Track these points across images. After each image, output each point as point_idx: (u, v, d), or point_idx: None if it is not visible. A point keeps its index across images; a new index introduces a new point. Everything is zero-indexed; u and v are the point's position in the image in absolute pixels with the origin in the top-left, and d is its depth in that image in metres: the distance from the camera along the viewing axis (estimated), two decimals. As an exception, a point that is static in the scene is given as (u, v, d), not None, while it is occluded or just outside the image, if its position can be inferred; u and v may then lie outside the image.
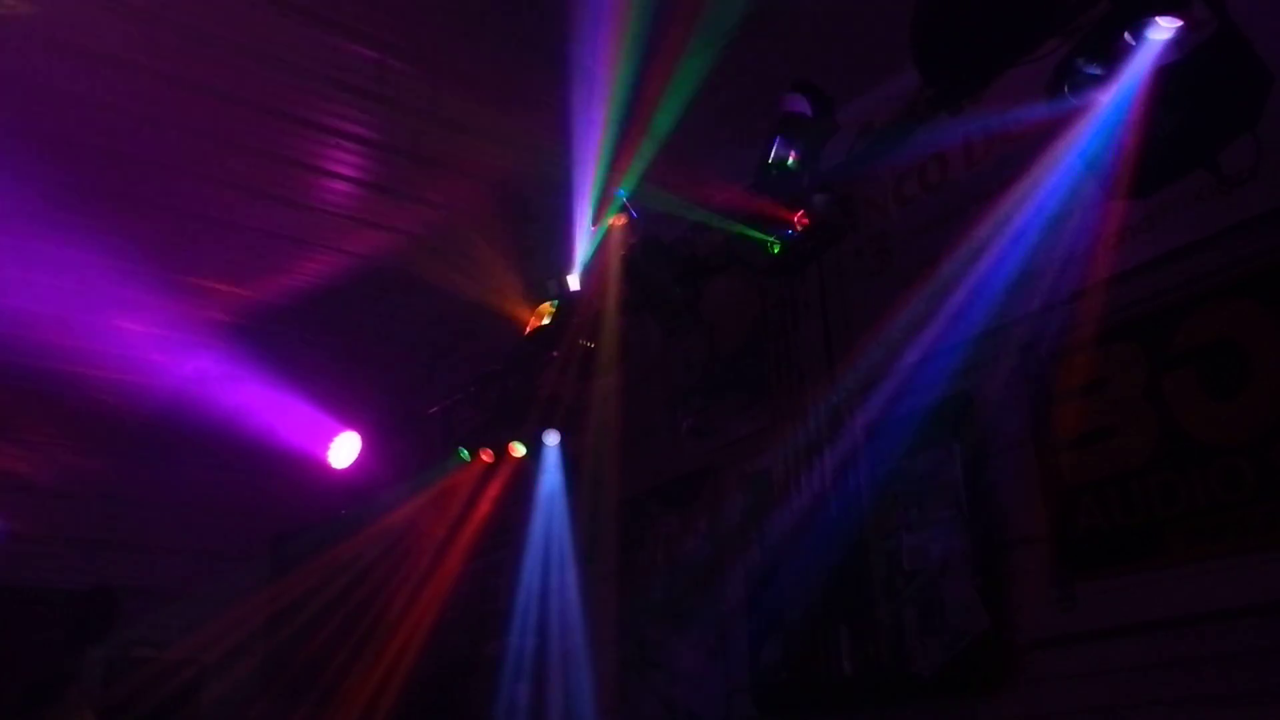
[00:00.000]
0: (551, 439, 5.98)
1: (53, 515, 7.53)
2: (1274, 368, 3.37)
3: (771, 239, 4.47)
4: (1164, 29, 3.14)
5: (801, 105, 4.27)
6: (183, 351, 6.65)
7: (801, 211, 4.37)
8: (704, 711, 5.35)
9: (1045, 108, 3.70)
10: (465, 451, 6.18)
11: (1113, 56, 3.26)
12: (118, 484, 7.76)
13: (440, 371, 7.30)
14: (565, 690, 5.96)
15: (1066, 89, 3.38)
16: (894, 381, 4.61)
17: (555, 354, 5.42)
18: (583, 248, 5.25)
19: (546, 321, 5.37)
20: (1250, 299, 3.46)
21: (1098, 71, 3.29)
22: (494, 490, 6.50)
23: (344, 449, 7.16)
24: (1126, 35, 3.20)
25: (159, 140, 5.20)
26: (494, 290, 5.75)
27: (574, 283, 5.27)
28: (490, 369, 6.27)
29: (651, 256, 5.01)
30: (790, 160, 4.23)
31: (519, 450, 6.06)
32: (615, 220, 5.02)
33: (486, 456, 6.23)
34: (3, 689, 6.78)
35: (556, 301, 5.34)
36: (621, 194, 4.95)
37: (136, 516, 7.76)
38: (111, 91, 4.85)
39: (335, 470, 7.18)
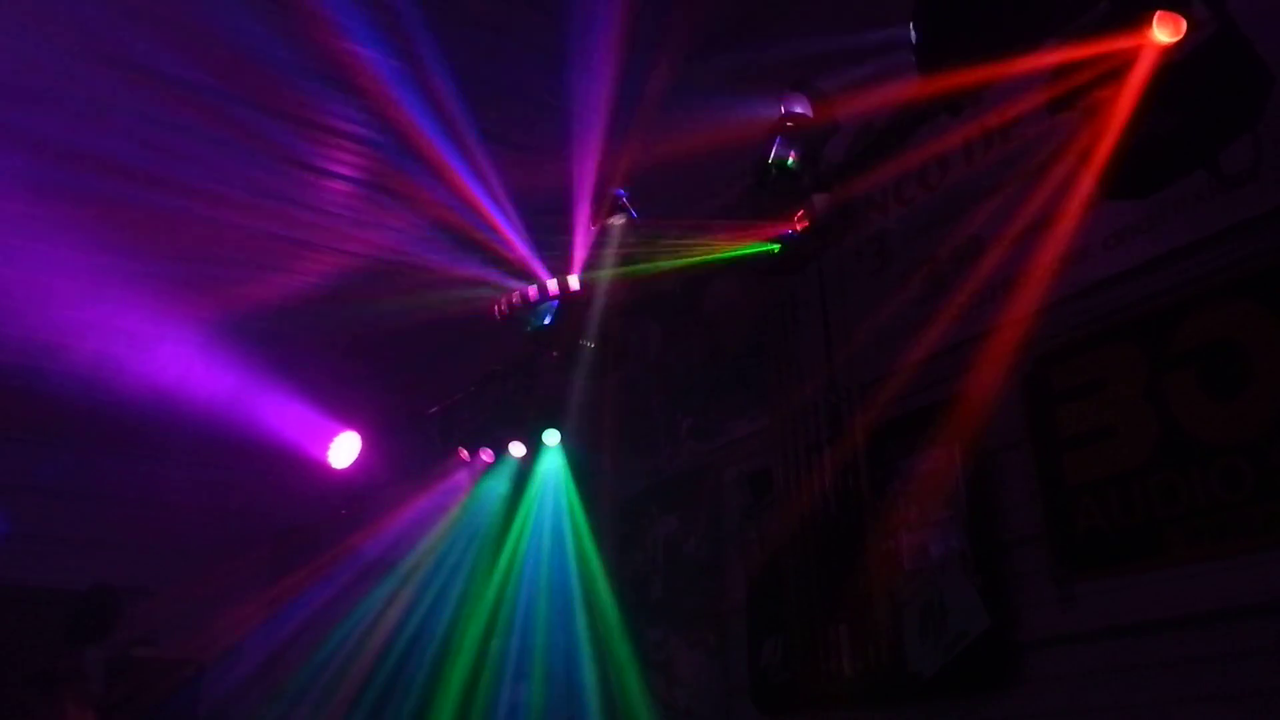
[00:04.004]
0: (551, 439, 5.99)
1: (53, 515, 7.53)
2: (1274, 368, 3.36)
3: (771, 239, 4.48)
4: (1164, 28, 3.14)
5: (802, 105, 4.27)
6: (183, 352, 6.65)
7: (801, 211, 4.38)
8: (704, 712, 5.35)
9: (1045, 108, 3.71)
10: (465, 451, 6.19)
11: (1112, 56, 3.26)
12: (117, 484, 7.75)
13: (440, 371, 7.29)
14: (566, 691, 5.96)
15: (1066, 89, 3.38)
16: (894, 381, 4.61)
17: (555, 354, 5.43)
18: (583, 248, 5.25)
19: (547, 321, 5.38)
20: (1250, 299, 3.46)
21: (1096, 71, 3.29)
22: (492, 490, 6.50)
23: (344, 449, 7.16)
24: (1126, 35, 3.20)
25: (157, 140, 5.20)
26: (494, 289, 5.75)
27: (574, 283, 5.27)
28: (490, 369, 6.27)
29: (651, 256, 5.01)
30: (790, 160, 4.24)
31: (519, 450, 6.06)
32: (615, 220, 5.02)
33: (486, 456, 6.24)
34: (2, 689, 6.78)
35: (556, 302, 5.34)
36: (621, 194, 4.95)
37: (136, 516, 7.76)
38: (109, 91, 4.84)
39: (335, 470, 7.18)
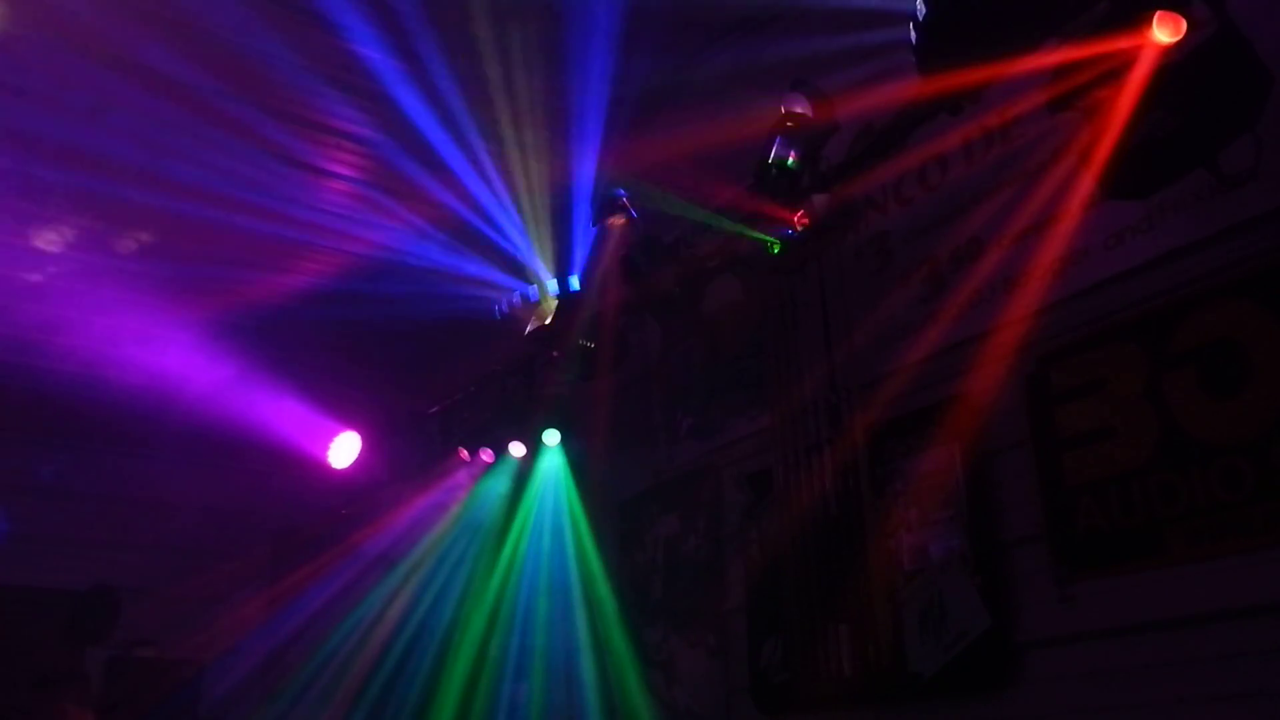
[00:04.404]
0: (551, 439, 5.99)
1: (53, 515, 7.53)
2: (1274, 368, 3.36)
3: (771, 239, 4.48)
4: (1164, 28, 3.14)
5: (801, 105, 4.27)
6: (183, 351, 6.65)
7: (801, 211, 4.38)
8: (704, 711, 5.36)
9: (1044, 108, 3.71)
10: (465, 451, 6.19)
11: (1113, 56, 3.26)
12: (117, 484, 7.75)
13: (440, 371, 7.29)
14: (566, 690, 5.96)
15: (1066, 89, 3.39)
16: (894, 381, 4.61)
17: (555, 354, 5.42)
18: (583, 248, 5.25)
19: (547, 321, 5.38)
20: (1250, 299, 3.46)
21: (1096, 71, 3.29)
22: (492, 490, 6.50)
23: (344, 449, 7.16)
24: (1126, 35, 3.21)
25: (158, 140, 5.20)
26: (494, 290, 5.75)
27: (574, 283, 5.27)
28: (490, 369, 6.27)
29: (651, 256, 5.01)
30: (790, 160, 4.24)
31: (519, 450, 6.06)
32: (615, 220, 5.02)
33: (486, 456, 6.24)
34: (3, 688, 6.78)
35: (556, 302, 5.34)
36: (621, 194, 4.95)
37: (136, 516, 7.76)
38: (109, 92, 4.84)
39: (335, 470, 7.18)
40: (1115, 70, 3.27)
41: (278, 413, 6.97)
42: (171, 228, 5.91)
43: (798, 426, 4.91)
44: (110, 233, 5.77)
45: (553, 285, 5.35)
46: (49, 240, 5.81)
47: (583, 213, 5.17)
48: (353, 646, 6.92)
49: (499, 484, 6.44)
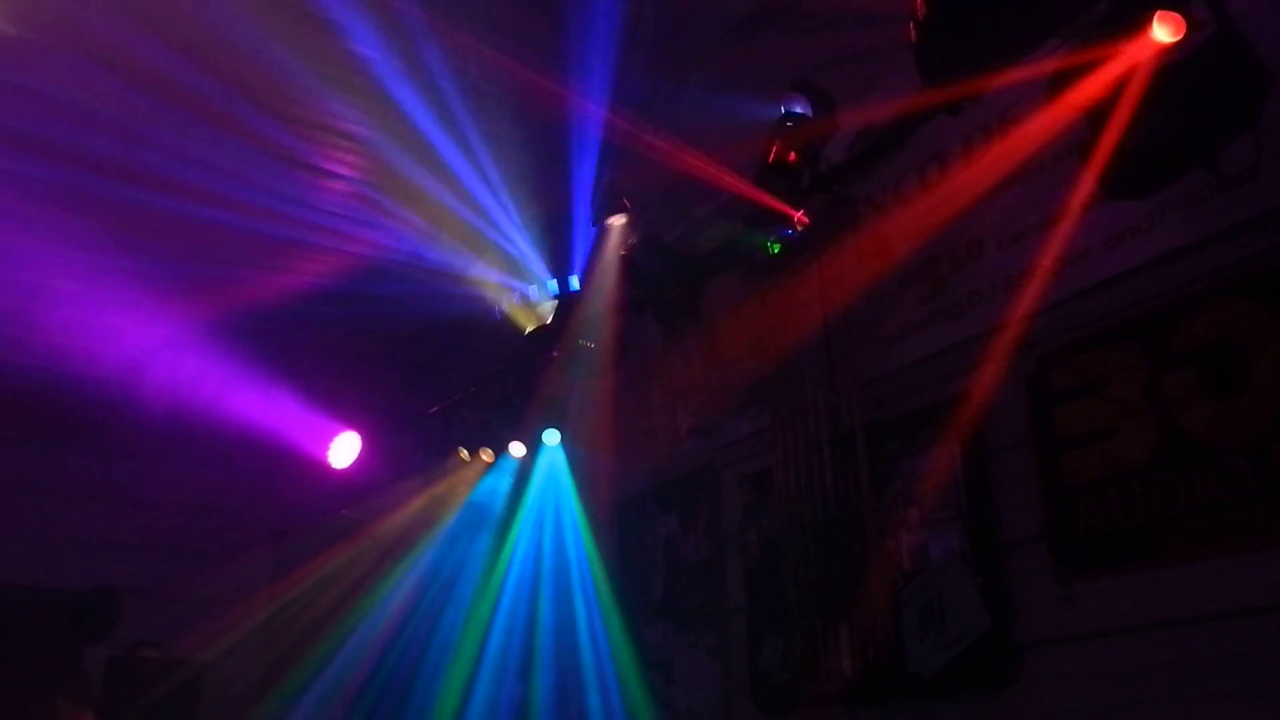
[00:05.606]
0: (551, 439, 5.99)
1: (53, 515, 7.53)
2: (1274, 368, 3.36)
3: (771, 239, 4.48)
4: (1164, 28, 3.14)
5: (802, 105, 4.27)
6: (182, 352, 6.65)
7: (801, 211, 4.38)
8: (704, 711, 5.36)
9: (1045, 108, 3.70)
10: (465, 451, 6.19)
11: (1112, 56, 3.26)
12: (118, 484, 7.75)
13: (440, 371, 7.29)
14: (566, 690, 5.96)
15: (1066, 89, 3.39)
16: (894, 381, 4.61)
17: (555, 354, 5.43)
18: (583, 248, 5.25)
19: (547, 321, 5.38)
20: (1250, 299, 3.46)
21: (1096, 72, 3.29)
22: (493, 489, 6.50)
23: (344, 449, 7.16)
24: (1126, 35, 3.21)
25: (158, 141, 5.20)
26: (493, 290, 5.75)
27: (574, 283, 5.27)
28: (490, 369, 6.28)
29: (651, 256, 5.01)
30: (790, 160, 4.24)
31: (519, 450, 6.06)
32: (615, 220, 5.02)
33: (486, 456, 6.24)
34: (2, 688, 6.78)
35: (556, 302, 5.35)
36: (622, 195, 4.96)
37: (136, 516, 7.76)
38: (109, 91, 4.85)
39: (335, 470, 7.17)
40: (1115, 70, 3.26)
41: (278, 412, 6.98)
42: (171, 228, 5.91)
43: (798, 426, 4.91)
44: (111, 234, 5.77)
45: (553, 285, 5.34)
46: (51, 243, 5.81)
47: (582, 212, 5.17)
48: (353, 646, 6.92)
49: (499, 484, 6.44)
